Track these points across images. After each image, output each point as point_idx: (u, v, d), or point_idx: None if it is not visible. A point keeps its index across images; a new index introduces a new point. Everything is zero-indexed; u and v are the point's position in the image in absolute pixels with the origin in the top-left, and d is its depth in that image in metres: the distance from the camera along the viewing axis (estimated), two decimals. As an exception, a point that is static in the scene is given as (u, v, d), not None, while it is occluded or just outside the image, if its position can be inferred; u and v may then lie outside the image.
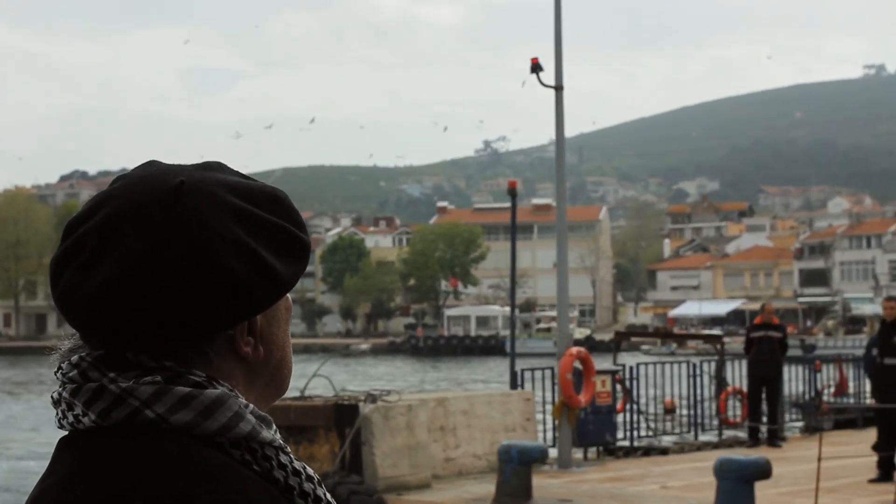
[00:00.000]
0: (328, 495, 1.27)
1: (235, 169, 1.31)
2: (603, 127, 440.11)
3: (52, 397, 1.26)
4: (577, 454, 14.82)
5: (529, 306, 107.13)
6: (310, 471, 1.27)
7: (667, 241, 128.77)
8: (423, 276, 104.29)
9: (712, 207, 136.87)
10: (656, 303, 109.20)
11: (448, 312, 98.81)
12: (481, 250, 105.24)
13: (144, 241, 1.19)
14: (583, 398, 13.92)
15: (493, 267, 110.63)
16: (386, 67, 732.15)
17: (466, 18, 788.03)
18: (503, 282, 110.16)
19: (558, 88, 13.97)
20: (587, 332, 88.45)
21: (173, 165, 1.28)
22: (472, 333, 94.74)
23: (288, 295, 1.31)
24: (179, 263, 1.18)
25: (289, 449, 1.26)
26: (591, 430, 14.75)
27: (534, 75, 13.72)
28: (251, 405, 1.24)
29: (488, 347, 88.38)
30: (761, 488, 10.73)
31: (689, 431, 17.15)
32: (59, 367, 1.26)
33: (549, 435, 14.76)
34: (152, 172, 1.25)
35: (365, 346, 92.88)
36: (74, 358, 1.24)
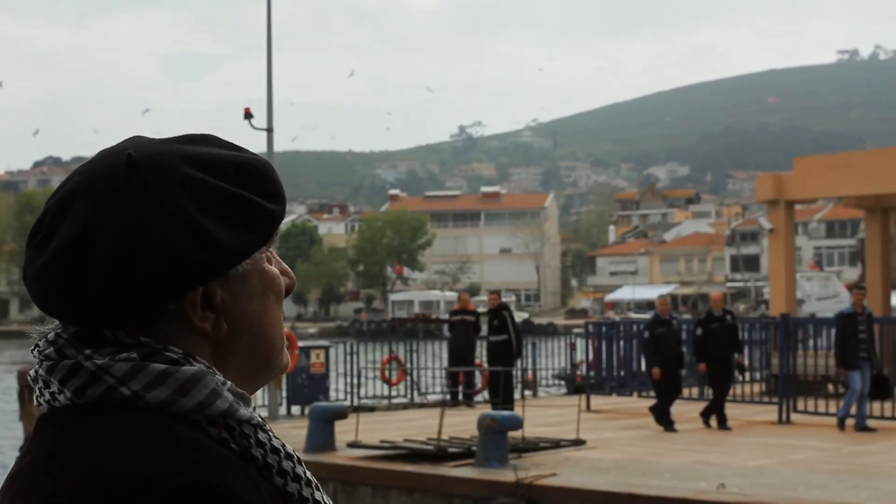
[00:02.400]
0: (308, 473, 1.27)
1: (228, 141, 1.31)
2: (578, 112, 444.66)
3: (28, 375, 1.30)
4: (297, 410, 19.09)
5: (473, 291, 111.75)
6: (289, 448, 1.26)
7: (612, 227, 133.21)
8: (372, 262, 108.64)
9: (659, 195, 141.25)
10: (595, 287, 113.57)
11: (392, 297, 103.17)
12: (427, 237, 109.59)
13: (87, 216, 1.19)
14: (286, 367, 18.15)
15: (441, 253, 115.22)
16: (367, 52, 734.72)
17: (447, 3, 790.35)
18: (448, 267, 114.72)
19: (269, 130, 18.14)
20: (525, 315, 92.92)
21: (146, 140, 1.28)
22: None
23: (271, 269, 1.30)
24: (114, 236, 1.18)
25: (268, 426, 1.26)
26: (306, 392, 18.99)
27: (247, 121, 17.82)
28: (229, 382, 1.23)
29: (428, 331, 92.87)
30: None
31: (409, 394, 21.45)
32: (36, 345, 1.25)
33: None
34: (118, 148, 1.26)
35: (313, 329, 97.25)
36: (51, 335, 1.24)
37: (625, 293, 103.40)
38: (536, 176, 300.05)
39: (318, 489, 1.28)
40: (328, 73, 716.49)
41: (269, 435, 1.25)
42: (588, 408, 19.09)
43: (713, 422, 16.18)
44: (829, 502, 10.20)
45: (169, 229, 1.19)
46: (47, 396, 1.23)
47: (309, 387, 18.98)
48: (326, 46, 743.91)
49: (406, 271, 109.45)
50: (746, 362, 20.32)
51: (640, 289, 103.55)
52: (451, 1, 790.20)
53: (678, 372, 16.78)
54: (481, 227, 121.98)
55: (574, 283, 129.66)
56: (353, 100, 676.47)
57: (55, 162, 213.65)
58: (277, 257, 1.32)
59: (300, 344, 19.47)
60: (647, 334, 16.75)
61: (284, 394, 19.06)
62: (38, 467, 1.18)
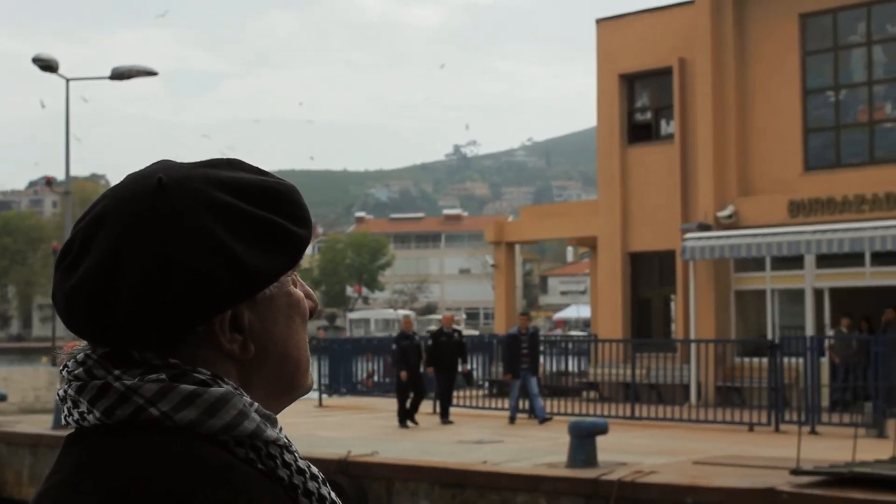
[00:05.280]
0: (332, 494, 1.28)
1: (254, 165, 1.32)
2: (573, 131, 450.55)
3: (57, 394, 1.27)
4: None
5: (430, 310, 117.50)
6: (314, 469, 1.27)
7: (570, 248, 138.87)
8: (333, 281, 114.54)
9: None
10: (547, 306, 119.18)
11: (351, 316, 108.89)
12: (387, 258, 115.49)
13: (117, 239, 1.21)
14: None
15: (403, 273, 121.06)
16: (368, 69, 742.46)
17: (449, 20, 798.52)
18: (406, 287, 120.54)
19: (66, 193, 23.84)
20: (475, 332, 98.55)
21: (175, 163, 1.29)
22: (370, 335, 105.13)
23: (297, 291, 1.31)
24: (144, 259, 1.19)
25: (294, 447, 1.27)
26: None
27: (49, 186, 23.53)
28: (256, 403, 1.24)
29: (382, 348, 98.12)
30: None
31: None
32: (65, 365, 1.26)
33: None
34: (147, 171, 1.27)
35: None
36: (80, 355, 1.25)
37: (571, 312, 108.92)
38: (528, 195, 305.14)
39: None
40: (327, 89, 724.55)
41: (294, 456, 1.27)
42: (320, 404, 24.86)
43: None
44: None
45: (199, 253, 1.20)
46: (76, 416, 1.24)
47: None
48: (328, 63, 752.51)
49: (365, 291, 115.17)
50: (481, 372, 26.06)
51: (585, 308, 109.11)
52: (452, 17, 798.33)
53: (421, 377, 20.86)
54: (442, 248, 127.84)
55: (542, 301, 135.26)
56: (353, 118, 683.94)
57: (47, 182, 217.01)
58: (301, 280, 1.34)
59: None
60: (394, 346, 21.31)
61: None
62: (67, 485, 1.19)
